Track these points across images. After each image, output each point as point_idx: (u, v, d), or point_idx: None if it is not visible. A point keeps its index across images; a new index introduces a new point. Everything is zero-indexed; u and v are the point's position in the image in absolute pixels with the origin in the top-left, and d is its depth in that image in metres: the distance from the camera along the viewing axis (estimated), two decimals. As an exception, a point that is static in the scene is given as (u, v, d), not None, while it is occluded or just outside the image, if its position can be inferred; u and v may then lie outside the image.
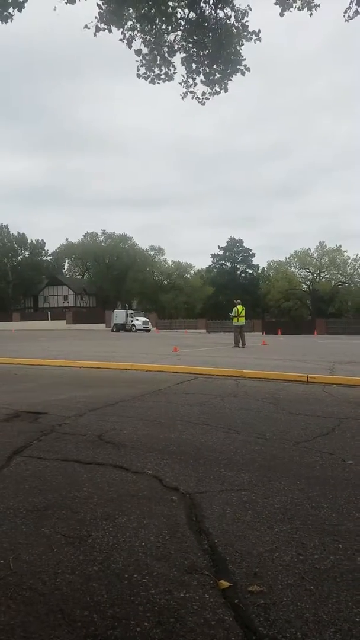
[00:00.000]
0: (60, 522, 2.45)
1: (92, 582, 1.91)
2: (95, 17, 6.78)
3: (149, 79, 7.58)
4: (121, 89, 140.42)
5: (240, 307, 18.62)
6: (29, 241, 76.74)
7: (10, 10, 6.37)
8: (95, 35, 6.78)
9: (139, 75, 7.58)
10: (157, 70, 7.55)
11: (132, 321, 45.04)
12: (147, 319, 47.05)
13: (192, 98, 7.97)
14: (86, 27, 6.79)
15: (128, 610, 1.73)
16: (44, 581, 1.92)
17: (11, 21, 6.48)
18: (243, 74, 7.62)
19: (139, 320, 45.27)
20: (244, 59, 7.49)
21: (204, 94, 7.89)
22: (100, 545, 2.20)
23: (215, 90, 7.77)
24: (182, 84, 7.82)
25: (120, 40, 7.11)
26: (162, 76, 7.58)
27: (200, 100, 7.96)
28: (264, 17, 7.98)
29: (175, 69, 7.60)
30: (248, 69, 7.65)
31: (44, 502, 2.71)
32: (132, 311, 47.46)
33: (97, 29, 6.82)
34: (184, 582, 1.91)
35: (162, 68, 7.54)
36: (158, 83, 7.62)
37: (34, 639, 1.58)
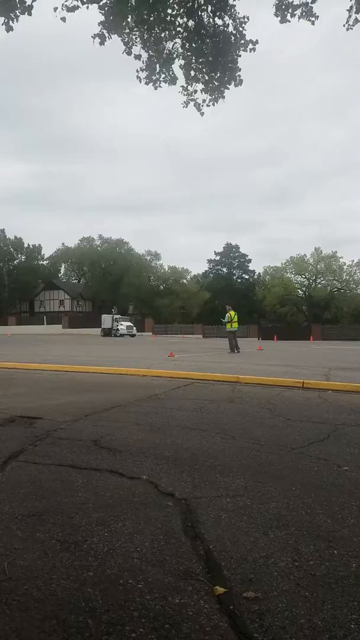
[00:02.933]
0: (55, 527, 2.45)
1: (87, 587, 1.91)
2: (100, 25, 6.83)
3: (151, 83, 7.64)
4: (115, 94, 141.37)
5: (232, 313, 18.74)
6: (26, 245, 76.68)
7: (17, 13, 6.41)
8: (101, 44, 6.84)
9: (139, 78, 7.63)
10: (157, 76, 7.61)
11: (116, 326, 45.14)
12: (132, 324, 46.98)
13: (194, 106, 8.03)
14: (93, 39, 6.84)
15: (123, 616, 1.73)
16: (39, 587, 1.91)
17: (16, 21, 6.50)
18: (237, 84, 7.69)
19: (123, 325, 45.34)
20: (240, 69, 7.57)
21: (204, 101, 7.95)
22: (95, 551, 2.20)
23: (215, 96, 7.83)
24: (183, 91, 7.88)
25: (122, 43, 7.17)
26: (165, 79, 7.64)
27: (200, 109, 8.03)
28: (257, 23, 8.08)
29: (175, 75, 7.67)
30: (241, 81, 7.72)
31: (39, 507, 2.70)
32: (118, 316, 47.57)
33: (102, 38, 6.87)
34: (179, 588, 1.91)
35: (162, 74, 7.60)
36: (160, 87, 7.68)
37: (29, 645, 1.57)
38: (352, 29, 7.56)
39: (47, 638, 1.61)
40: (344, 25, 7.55)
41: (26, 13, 6.50)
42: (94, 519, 2.55)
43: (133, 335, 44.39)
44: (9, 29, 6.55)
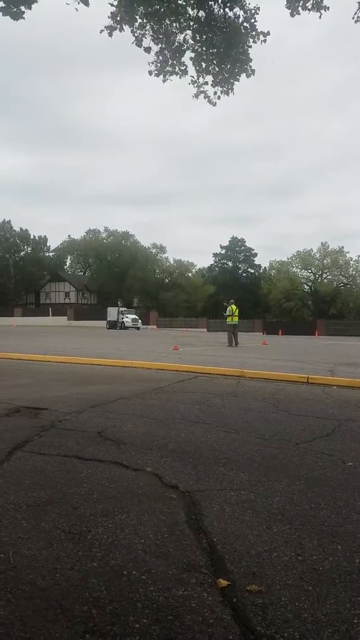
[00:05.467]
0: (60, 517, 2.46)
1: (91, 578, 1.92)
2: (110, 16, 6.78)
3: (162, 75, 7.58)
4: (119, 85, 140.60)
5: (234, 307, 18.79)
6: (32, 237, 76.72)
7: (22, 7, 6.35)
8: (110, 35, 6.78)
9: (150, 71, 7.57)
10: (168, 68, 7.55)
11: (122, 318, 45.35)
12: (137, 317, 47.16)
13: (204, 98, 7.97)
14: (102, 30, 6.78)
15: (127, 607, 1.74)
16: (43, 576, 1.93)
17: (24, 19, 6.45)
18: (248, 75, 7.61)
19: (129, 318, 45.58)
20: (251, 60, 7.50)
21: (215, 93, 7.89)
22: (99, 542, 2.21)
23: (225, 88, 7.77)
24: (193, 83, 7.83)
25: (133, 43, 7.11)
26: (176, 71, 7.58)
27: (211, 100, 7.96)
28: (263, 13, 7.94)
29: (186, 67, 7.61)
30: (253, 71, 7.65)
31: (44, 498, 2.72)
32: (124, 309, 47.80)
33: (111, 29, 6.81)
34: (182, 580, 1.92)
35: (174, 67, 7.54)
36: (170, 80, 7.63)
37: (33, 633, 1.59)
38: None
39: (51, 627, 1.62)
40: (352, 18, 7.47)
41: (27, 6, 6.44)
42: (99, 510, 2.56)
43: (138, 328, 44.57)
44: (17, 17, 6.49)
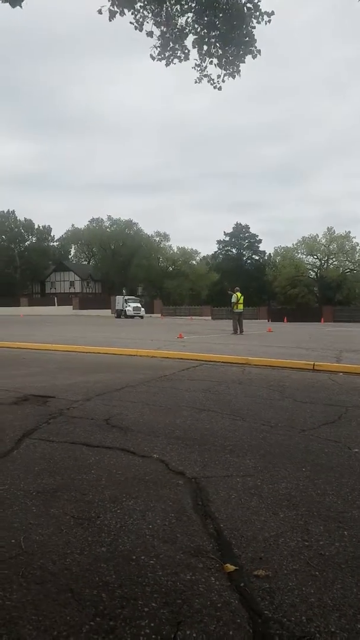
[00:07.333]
0: (69, 503, 2.49)
1: (101, 562, 1.95)
2: (109, 0, 6.67)
3: (164, 60, 7.47)
4: (120, 71, 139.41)
5: (239, 294, 18.72)
6: (36, 227, 76.64)
7: None
8: (110, 20, 6.67)
9: (152, 56, 7.46)
10: (170, 52, 7.44)
11: (125, 307, 45.42)
12: (139, 305, 46.96)
13: (208, 82, 7.84)
14: (100, 12, 6.66)
15: (136, 591, 1.76)
16: (53, 561, 1.96)
17: (20, 7, 6.33)
18: (254, 56, 7.48)
19: (130, 307, 45.51)
20: (256, 41, 7.36)
21: (219, 76, 7.76)
22: (108, 527, 2.24)
23: (230, 71, 7.64)
24: (196, 67, 7.71)
25: (131, 23, 7.00)
26: (179, 55, 7.46)
27: (215, 84, 7.83)
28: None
29: (188, 50, 7.49)
30: (259, 52, 7.51)
31: (53, 484, 2.75)
32: (132, 297, 47.88)
33: (111, 13, 6.70)
34: (190, 565, 1.95)
35: (176, 51, 7.43)
36: (173, 63, 7.51)
37: (45, 616, 1.62)
38: None
39: (62, 610, 1.65)
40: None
41: None
42: (107, 496, 2.59)
43: (141, 317, 44.60)
44: (15, 4, 6.37)
